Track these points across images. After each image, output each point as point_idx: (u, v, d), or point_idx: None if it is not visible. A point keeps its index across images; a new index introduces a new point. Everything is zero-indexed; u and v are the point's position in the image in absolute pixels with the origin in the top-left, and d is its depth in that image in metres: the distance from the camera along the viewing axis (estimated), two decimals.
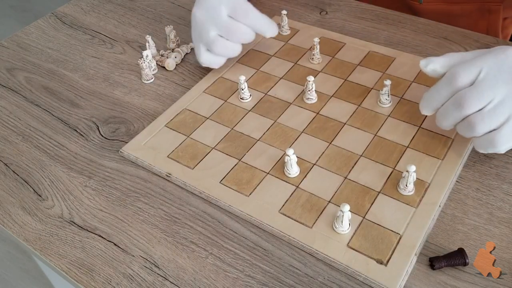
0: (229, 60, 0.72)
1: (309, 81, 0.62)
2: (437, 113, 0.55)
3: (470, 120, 0.50)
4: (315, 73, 0.68)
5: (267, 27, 0.66)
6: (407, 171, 0.51)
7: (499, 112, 0.49)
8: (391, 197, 0.52)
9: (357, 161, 0.56)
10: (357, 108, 0.63)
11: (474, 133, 0.51)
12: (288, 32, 0.76)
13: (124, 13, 0.87)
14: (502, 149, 0.51)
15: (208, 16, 0.64)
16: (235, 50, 0.66)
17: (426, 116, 0.60)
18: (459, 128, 0.53)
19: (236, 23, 0.64)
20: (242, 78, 0.63)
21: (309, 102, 0.64)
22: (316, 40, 0.68)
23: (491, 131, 0.50)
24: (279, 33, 0.76)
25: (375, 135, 0.59)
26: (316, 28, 0.77)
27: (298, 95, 0.65)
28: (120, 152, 0.61)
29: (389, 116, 0.61)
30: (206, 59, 0.67)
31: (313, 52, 0.69)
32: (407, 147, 0.57)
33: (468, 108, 0.50)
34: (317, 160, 0.57)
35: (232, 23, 0.64)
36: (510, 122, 0.49)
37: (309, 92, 0.63)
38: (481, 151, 0.53)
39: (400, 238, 0.49)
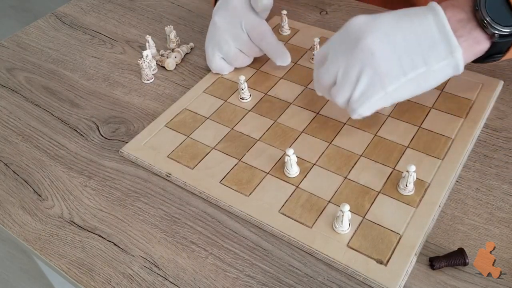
0: None
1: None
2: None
3: (332, 94, 0.54)
4: None
5: (279, 55, 0.67)
6: (407, 171, 0.51)
7: (348, 79, 0.51)
8: (391, 197, 0.52)
9: (357, 161, 0.56)
10: None
11: (338, 104, 0.54)
12: (288, 32, 0.76)
13: (124, 13, 0.87)
14: (361, 111, 0.52)
15: (229, 29, 0.66)
16: (249, 61, 0.70)
17: (426, 116, 0.60)
18: (333, 102, 0.55)
19: (253, 44, 0.67)
20: (242, 78, 0.64)
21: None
22: (316, 40, 0.68)
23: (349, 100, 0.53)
24: (279, 33, 0.76)
25: (375, 135, 0.59)
26: (316, 28, 0.77)
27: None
28: (120, 152, 0.61)
29: (389, 116, 0.61)
30: (218, 66, 0.69)
31: (313, 52, 0.69)
32: (407, 147, 0.57)
33: (322, 83, 0.55)
34: (317, 160, 0.57)
35: (250, 44, 0.66)
36: (358, 86, 0.51)
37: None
38: (354, 118, 0.54)
39: (400, 238, 0.49)
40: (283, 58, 0.67)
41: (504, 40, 0.49)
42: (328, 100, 0.64)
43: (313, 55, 0.69)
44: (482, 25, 0.49)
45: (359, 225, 0.50)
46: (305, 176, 0.55)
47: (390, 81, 0.50)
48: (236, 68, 0.70)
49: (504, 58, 0.52)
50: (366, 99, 0.51)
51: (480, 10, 0.48)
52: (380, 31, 0.50)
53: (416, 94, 0.52)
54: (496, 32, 0.48)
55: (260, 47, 0.67)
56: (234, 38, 0.66)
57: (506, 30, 0.48)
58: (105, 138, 0.64)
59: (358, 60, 0.50)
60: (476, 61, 0.52)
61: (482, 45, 0.50)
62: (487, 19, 0.48)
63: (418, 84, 0.51)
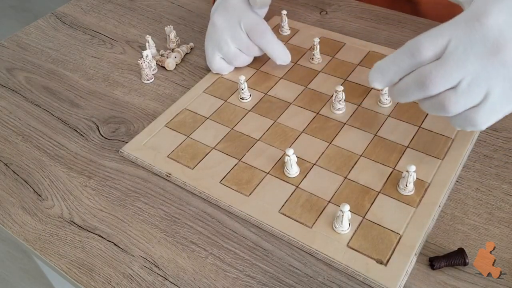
0: None
1: (338, 91, 0.60)
2: (395, 87, 0.48)
3: (442, 101, 0.45)
4: (315, 73, 0.68)
5: (279, 54, 0.67)
6: (407, 171, 0.51)
7: (474, 92, 0.43)
8: (391, 197, 0.52)
9: (357, 161, 0.56)
10: (357, 108, 0.63)
11: (447, 114, 0.46)
12: (288, 32, 0.76)
13: (124, 13, 0.87)
14: (483, 127, 0.46)
15: (228, 29, 0.66)
16: (249, 61, 0.69)
17: (426, 116, 0.60)
18: (424, 106, 0.48)
19: (253, 43, 0.66)
20: (242, 78, 0.64)
21: (339, 112, 0.62)
22: (316, 40, 0.68)
23: (468, 109, 0.45)
24: (279, 33, 0.76)
25: (375, 135, 0.59)
26: (316, 28, 0.77)
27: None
28: (120, 152, 0.61)
29: (389, 116, 0.61)
30: (218, 67, 0.69)
31: (313, 52, 0.69)
32: (407, 147, 0.57)
33: (434, 89, 0.44)
34: (317, 160, 0.57)
35: (249, 43, 0.66)
36: (489, 99, 0.43)
37: (339, 102, 0.62)
38: (458, 128, 0.48)
39: (400, 238, 0.49)
40: (283, 57, 0.67)
41: None
42: (328, 101, 0.64)
43: (313, 55, 0.69)
44: None
45: (359, 225, 0.50)
46: (305, 176, 0.55)
47: None
48: (236, 68, 0.70)
49: None
50: (495, 114, 0.44)
51: None
52: None
53: None
54: None
55: (259, 46, 0.67)
56: (233, 37, 0.66)
57: None
58: (105, 138, 0.64)
59: (496, 71, 0.42)
60: None
61: None
62: None
63: None
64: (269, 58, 0.72)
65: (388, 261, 0.47)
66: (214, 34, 0.67)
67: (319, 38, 0.70)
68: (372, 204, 0.52)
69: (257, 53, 0.68)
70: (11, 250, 1.58)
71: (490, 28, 0.41)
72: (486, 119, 0.45)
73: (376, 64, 0.49)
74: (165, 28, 0.76)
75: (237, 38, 0.66)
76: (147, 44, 0.75)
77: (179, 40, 0.78)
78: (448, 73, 0.43)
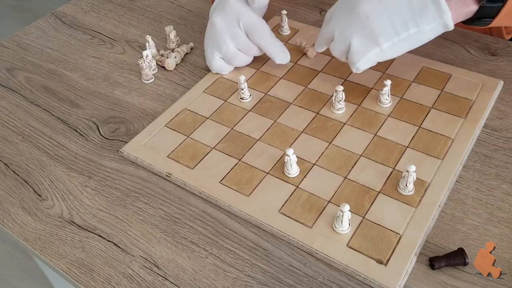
0: None
1: (338, 91, 0.61)
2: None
3: (331, 49, 0.62)
4: (315, 73, 0.68)
5: (278, 53, 0.67)
6: (407, 171, 0.51)
7: (342, 38, 0.59)
8: (391, 197, 0.52)
9: (357, 161, 0.56)
10: (357, 108, 0.63)
11: (335, 56, 0.62)
12: (288, 32, 0.76)
13: (124, 13, 0.87)
14: (359, 65, 0.59)
15: (227, 29, 0.66)
16: (249, 61, 0.70)
17: (426, 116, 0.60)
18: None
19: (251, 42, 0.67)
20: (242, 78, 0.64)
21: (339, 112, 0.62)
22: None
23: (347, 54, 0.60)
24: (279, 33, 0.76)
25: (375, 135, 0.59)
26: (316, 28, 0.77)
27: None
28: (120, 152, 0.61)
29: (389, 116, 0.61)
30: (218, 67, 0.69)
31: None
32: (407, 147, 0.57)
33: (324, 38, 0.63)
34: (317, 160, 0.57)
35: (249, 42, 0.66)
36: (353, 44, 0.58)
37: (339, 102, 0.62)
38: (354, 71, 0.61)
39: (400, 238, 0.49)
40: (282, 57, 0.67)
41: (491, 5, 0.54)
42: (327, 101, 0.64)
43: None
44: None
45: (359, 225, 0.50)
46: (305, 176, 0.55)
47: (384, 40, 0.56)
48: (236, 68, 0.70)
49: (493, 23, 0.56)
50: (363, 54, 0.58)
51: None
52: None
53: (409, 49, 0.57)
54: None
55: (258, 46, 0.67)
56: (232, 37, 0.66)
57: None
58: (105, 138, 0.64)
59: (353, 22, 0.57)
60: (466, 22, 0.57)
61: (470, 7, 0.55)
62: None
63: (410, 43, 0.56)
64: (269, 58, 0.72)
65: (388, 261, 0.47)
66: (213, 34, 0.67)
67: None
68: (372, 204, 0.52)
69: (257, 52, 0.68)
70: (11, 250, 1.58)
71: None
72: (357, 58, 0.58)
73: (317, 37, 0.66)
74: (165, 28, 0.76)
75: (236, 37, 0.66)
76: (147, 44, 0.75)
77: (179, 40, 0.78)
78: (327, 28, 0.61)
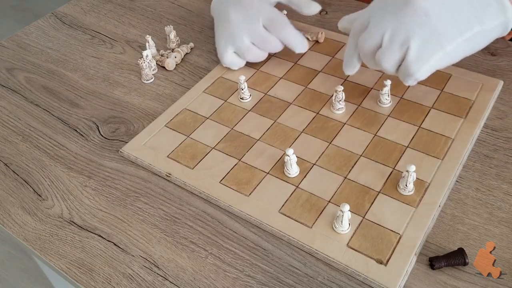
0: None
1: (338, 91, 0.61)
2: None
3: (377, 59, 0.53)
4: (315, 73, 0.68)
5: (298, 43, 0.67)
6: (407, 171, 0.51)
7: (396, 42, 0.50)
8: (391, 197, 0.52)
9: (357, 161, 0.56)
10: (357, 108, 0.63)
11: (385, 69, 0.53)
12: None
13: (124, 13, 0.87)
14: (419, 75, 0.51)
15: (245, 22, 0.66)
16: (263, 57, 0.69)
17: (426, 116, 0.60)
18: (375, 67, 0.56)
19: (270, 35, 0.66)
20: (242, 78, 0.64)
21: (339, 112, 0.62)
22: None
23: (402, 63, 0.51)
24: None
25: (375, 135, 0.59)
26: (316, 28, 0.77)
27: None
28: (120, 152, 0.61)
29: (389, 116, 0.61)
30: (230, 61, 0.68)
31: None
32: (407, 147, 0.57)
33: (365, 49, 0.53)
34: (317, 160, 0.57)
35: (267, 36, 0.66)
36: (412, 47, 0.50)
37: (339, 102, 0.62)
38: (409, 84, 0.54)
39: (400, 238, 0.49)
40: (302, 46, 0.67)
41: None
42: (327, 101, 0.64)
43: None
44: None
45: (359, 225, 0.50)
46: (305, 176, 0.55)
47: (449, 41, 0.49)
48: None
49: None
50: (425, 61, 0.50)
51: None
52: None
53: (470, 53, 0.51)
54: None
55: (280, 39, 0.66)
56: (249, 31, 0.66)
57: None
58: (105, 138, 0.64)
59: (410, 21, 0.49)
60: None
61: None
62: None
63: (473, 44, 0.50)
64: (269, 58, 0.72)
65: (388, 261, 0.47)
66: (227, 28, 0.67)
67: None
68: (372, 204, 0.52)
69: (273, 47, 0.67)
70: (11, 250, 1.58)
71: None
72: (417, 66, 0.50)
73: (344, 57, 0.60)
74: (165, 28, 0.76)
75: (253, 31, 0.66)
76: (147, 44, 0.75)
77: (179, 40, 0.78)
78: (370, 33, 0.52)
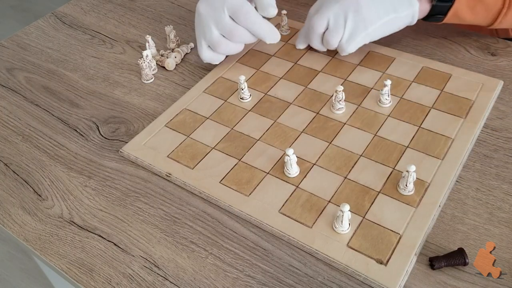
0: (229, 59, 0.72)
1: (338, 91, 0.60)
2: (307, 40, 0.71)
3: (326, 39, 0.66)
4: (315, 73, 0.68)
5: (267, 33, 0.65)
6: (407, 171, 0.51)
7: (338, 25, 0.64)
8: (391, 197, 0.52)
9: (357, 161, 0.56)
10: (357, 108, 0.63)
11: (331, 47, 0.67)
12: (288, 32, 0.76)
13: (124, 13, 0.87)
14: (350, 49, 0.66)
15: (211, 15, 0.65)
16: (237, 49, 0.68)
17: (426, 116, 0.60)
18: (324, 45, 0.68)
19: (236, 26, 0.64)
20: (242, 78, 0.63)
21: (339, 112, 0.62)
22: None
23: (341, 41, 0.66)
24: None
25: (375, 135, 0.59)
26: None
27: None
28: (120, 152, 0.61)
29: (389, 116, 0.61)
30: (207, 56, 0.68)
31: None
32: (407, 147, 0.57)
33: (317, 30, 0.66)
34: (317, 160, 0.57)
35: (233, 26, 0.64)
36: (347, 28, 0.64)
37: (339, 102, 0.62)
38: (343, 55, 0.68)
39: (400, 238, 0.49)
40: (272, 36, 0.66)
41: (442, 4, 0.64)
42: (327, 101, 0.64)
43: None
44: None
45: (359, 225, 0.50)
46: (305, 176, 0.55)
47: (371, 23, 0.64)
48: (236, 68, 0.70)
49: (445, 20, 0.66)
50: (353, 39, 0.65)
51: None
52: None
53: (385, 35, 0.66)
54: None
55: (246, 28, 0.65)
56: (216, 23, 0.65)
57: None
58: (105, 138, 0.64)
59: (346, 7, 0.63)
60: (423, 19, 0.67)
61: (424, 5, 0.65)
62: None
63: (387, 27, 0.65)
64: (269, 58, 0.72)
65: (388, 261, 0.47)
66: (199, 22, 0.67)
67: None
68: (372, 204, 0.52)
69: (243, 38, 0.65)
70: (11, 250, 1.58)
71: None
72: (348, 44, 0.65)
73: (299, 34, 0.73)
74: (165, 28, 0.76)
75: (220, 23, 0.64)
76: (147, 44, 0.75)
77: (179, 40, 0.78)
78: (320, 17, 0.65)
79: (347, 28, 0.64)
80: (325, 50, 0.70)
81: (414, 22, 0.66)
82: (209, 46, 0.67)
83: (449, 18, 0.66)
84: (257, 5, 0.65)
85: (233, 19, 0.64)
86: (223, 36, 0.66)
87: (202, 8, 0.66)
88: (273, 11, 0.65)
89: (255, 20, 0.64)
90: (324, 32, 0.67)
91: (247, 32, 0.65)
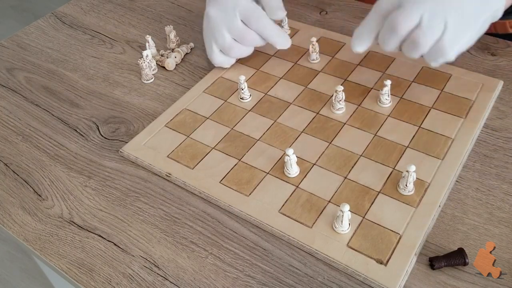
0: None
1: (338, 91, 0.60)
2: (379, 42, 0.57)
3: (414, 39, 0.52)
4: (315, 73, 0.68)
5: (278, 38, 0.66)
6: (407, 171, 0.51)
7: (435, 23, 0.51)
8: (391, 197, 0.52)
9: (357, 161, 0.56)
10: (357, 108, 0.63)
11: (421, 49, 0.53)
12: (288, 32, 0.76)
13: (124, 13, 0.87)
14: (451, 55, 0.53)
15: (223, 19, 0.65)
16: (248, 52, 0.68)
17: (426, 116, 0.60)
18: (405, 50, 0.55)
19: (248, 30, 0.65)
20: (242, 78, 0.64)
21: (339, 112, 0.62)
22: (313, 39, 0.68)
23: (436, 43, 0.52)
24: None
25: (375, 135, 0.59)
26: (316, 28, 0.77)
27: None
28: (120, 152, 0.61)
29: (389, 116, 0.61)
30: (219, 60, 0.68)
31: (310, 51, 0.69)
32: (407, 147, 0.57)
33: (402, 30, 0.52)
34: (317, 160, 0.57)
35: (245, 30, 0.65)
36: (449, 28, 0.51)
37: (339, 102, 0.61)
38: (433, 65, 0.54)
39: (400, 238, 0.49)
40: (283, 42, 0.66)
41: None
42: (327, 101, 0.64)
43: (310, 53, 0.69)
44: None
45: (359, 225, 0.50)
46: (305, 176, 0.55)
47: (475, 21, 0.52)
48: (236, 68, 0.70)
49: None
50: (458, 41, 0.52)
51: None
52: None
53: (482, 34, 0.54)
54: None
55: (258, 33, 0.65)
56: (228, 27, 0.65)
57: None
58: (105, 138, 0.64)
59: (448, 4, 0.51)
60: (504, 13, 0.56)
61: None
62: None
63: (484, 27, 0.54)
64: (269, 58, 0.72)
65: (388, 261, 0.47)
66: (209, 26, 0.67)
67: (318, 38, 0.70)
68: (372, 204, 0.52)
69: (254, 42, 0.66)
70: (11, 250, 1.58)
71: None
72: (451, 47, 0.52)
73: (354, 32, 0.58)
74: (165, 28, 0.76)
75: (232, 27, 0.65)
76: (147, 44, 0.75)
77: (179, 40, 0.78)
78: (409, 13, 0.51)
79: (449, 28, 0.51)
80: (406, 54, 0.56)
81: (497, 19, 0.55)
82: (220, 50, 0.67)
83: None
84: (266, 7, 0.65)
85: (244, 23, 0.65)
86: (235, 40, 0.66)
87: (213, 12, 0.66)
88: (281, 14, 0.66)
89: (267, 25, 0.65)
90: (412, 32, 0.53)
91: (258, 36, 0.66)
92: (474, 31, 0.53)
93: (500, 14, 0.54)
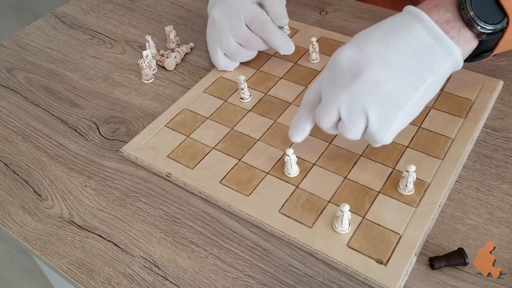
0: None
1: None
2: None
3: (340, 132, 0.50)
4: (315, 73, 0.68)
5: (282, 43, 0.66)
6: (407, 171, 0.51)
7: (355, 115, 0.48)
8: (391, 197, 0.52)
9: (357, 161, 0.56)
10: None
11: (352, 139, 0.50)
12: (288, 32, 0.76)
13: (124, 13, 0.87)
14: (385, 140, 0.49)
15: (228, 23, 0.65)
16: (252, 55, 0.69)
17: (426, 116, 0.60)
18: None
19: (253, 35, 0.66)
20: (242, 78, 0.64)
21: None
22: (313, 39, 0.68)
23: (365, 132, 0.49)
24: None
25: None
26: (316, 28, 0.77)
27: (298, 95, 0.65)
28: (120, 152, 0.61)
29: None
30: (223, 64, 0.69)
31: (310, 51, 0.69)
32: (407, 147, 0.57)
33: (324, 125, 0.50)
34: (317, 160, 0.57)
35: (250, 35, 0.65)
36: (372, 117, 0.47)
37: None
38: (375, 146, 0.51)
39: (400, 238, 0.49)
40: (287, 47, 0.66)
41: (491, 38, 0.48)
42: None
43: (311, 55, 0.69)
44: (469, 24, 0.47)
45: (359, 225, 0.50)
46: (305, 176, 0.55)
47: (406, 101, 0.47)
48: (236, 68, 0.70)
49: (490, 56, 0.51)
50: (388, 126, 0.48)
51: (466, 8, 0.46)
52: (375, 57, 0.47)
53: (427, 103, 0.49)
54: (483, 30, 0.47)
55: (262, 38, 0.66)
56: (233, 31, 0.66)
57: (490, 28, 0.47)
58: (105, 138, 0.64)
59: (363, 91, 0.47)
60: (466, 60, 0.50)
61: (471, 44, 0.49)
62: (473, 17, 0.46)
63: (429, 94, 0.49)
64: (269, 58, 0.72)
65: (388, 261, 0.47)
66: (214, 30, 0.67)
67: (318, 38, 0.70)
68: (372, 204, 0.52)
69: (259, 46, 0.67)
70: (11, 250, 1.58)
71: (340, 62, 0.48)
72: (381, 134, 0.48)
73: (291, 123, 0.55)
74: (165, 28, 0.76)
75: (237, 31, 0.65)
76: (147, 44, 0.75)
77: (179, 40, 0.78)
78: (327, 110, 0.49)
79: (371, 118, 0.47)
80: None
81: (460, 67, 0.49)
82: (225, 54, 0.68)
83: (500, 48, 0.50)
84: (271, 14, 0.66)
85: (248, 28, 0.65)
86: (240, 44, 0.67)
87: (218, 16, 0.66)
88: (285, 20, 0.67)
89: (272, 30, 0.65)
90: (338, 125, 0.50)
91: (261, 41, 0.66)
92: (411, 106, 0.48)
93: (460, 64, 0.48)
